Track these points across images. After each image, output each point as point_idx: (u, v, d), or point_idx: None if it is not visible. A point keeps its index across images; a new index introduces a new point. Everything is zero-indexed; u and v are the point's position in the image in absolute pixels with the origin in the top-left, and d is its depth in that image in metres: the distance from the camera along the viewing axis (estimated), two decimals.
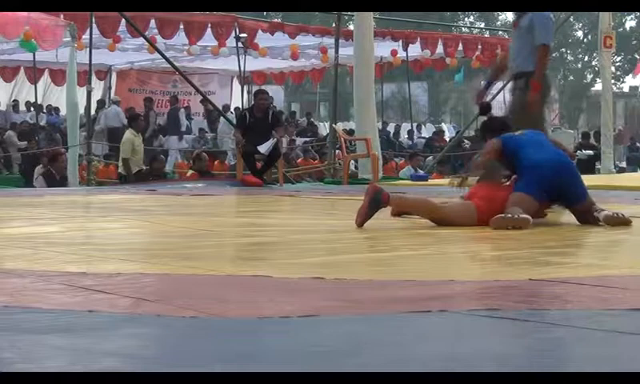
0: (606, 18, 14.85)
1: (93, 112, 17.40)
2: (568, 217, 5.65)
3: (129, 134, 13.23)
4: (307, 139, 21.76)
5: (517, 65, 7.00)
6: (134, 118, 14.13)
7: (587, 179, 12.08)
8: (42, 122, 20.88)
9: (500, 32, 32.96)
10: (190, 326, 2.33)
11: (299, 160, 18.80)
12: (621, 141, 25.23)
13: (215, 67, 22.65)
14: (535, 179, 5.31)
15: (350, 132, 15.30)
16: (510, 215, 5.06)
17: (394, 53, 20.44)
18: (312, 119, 26.40)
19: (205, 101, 19.83)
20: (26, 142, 18.26)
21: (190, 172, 14.34)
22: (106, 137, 18.37)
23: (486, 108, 6.41)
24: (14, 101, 22.87)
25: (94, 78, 17.17)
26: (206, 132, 21.63)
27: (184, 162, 19.36)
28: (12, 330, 2.23)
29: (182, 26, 16.50)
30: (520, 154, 5.45)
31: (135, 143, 13.02)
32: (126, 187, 10.50)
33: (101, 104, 20.73)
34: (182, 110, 21.86)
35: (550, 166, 5.40)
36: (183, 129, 21.13)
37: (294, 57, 19.97)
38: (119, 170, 13.31)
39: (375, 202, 5.11)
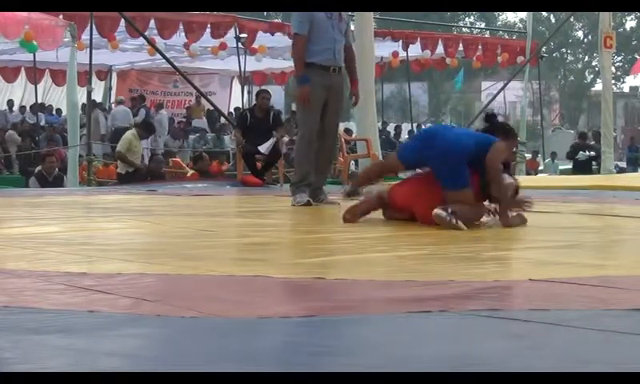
0: (606, 18, 14.85)
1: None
2: (566, 219, 5.64)
3: (130, 134, 13.23)
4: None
5: (340, 59, 7.05)
6: (147, 127, 14.18)
7: (586, 179, 12.11)
8: (42, 122, 20.86)
9: (500, 32, 33.00)
10: (190, 326, 2.33)
11: None
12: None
13: (215, 67, 22.64)
14: (411, 144, 5.84)
15: (348, 131, 15.29)
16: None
17: (394, 54, 20.44)
18: None
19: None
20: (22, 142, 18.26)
21: (191, 172, 14.34)
22: (111, 137, 18.30)
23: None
24: (9, 100, 22.81)
25: (94, 78, 17.16)
26: (207, 132, 21.61)
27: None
28: (12, 330, 2.23)
29: (181, 26, 16.49)
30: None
31: (133, 143, 13.03)
32: (126, 187, 10.49)
33: (95, 105, 20.60)
34: (143, 109, 21.76)
35: (426, 137, 5.67)
36: None
37: None
38: (118, 170, 13.30)
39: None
